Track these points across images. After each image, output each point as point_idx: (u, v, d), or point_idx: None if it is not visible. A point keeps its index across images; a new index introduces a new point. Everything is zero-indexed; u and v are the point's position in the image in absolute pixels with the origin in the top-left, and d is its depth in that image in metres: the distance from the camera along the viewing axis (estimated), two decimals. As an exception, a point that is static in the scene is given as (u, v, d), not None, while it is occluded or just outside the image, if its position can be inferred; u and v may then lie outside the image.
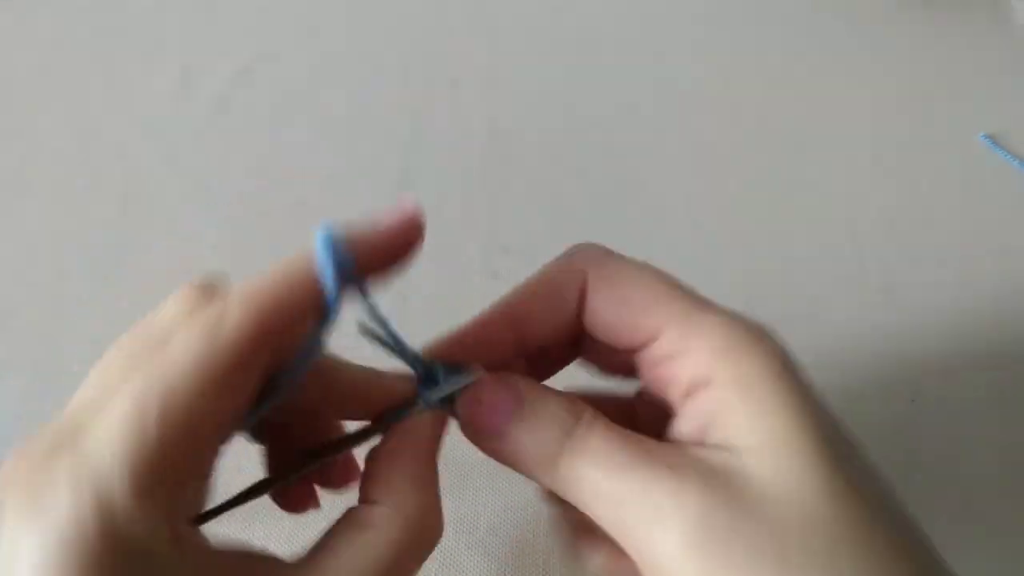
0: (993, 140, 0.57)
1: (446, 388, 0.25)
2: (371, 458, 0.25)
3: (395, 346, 0.25)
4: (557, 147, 0.56)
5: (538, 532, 0.40)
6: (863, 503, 0.21)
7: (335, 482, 0.30)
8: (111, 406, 0.19)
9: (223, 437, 0.22)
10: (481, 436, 0.25)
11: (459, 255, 0.50)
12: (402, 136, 0.56)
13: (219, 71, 0.59)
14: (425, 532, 0.23)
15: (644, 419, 0.27)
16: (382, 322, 0.24)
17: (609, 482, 0.22)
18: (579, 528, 0.27)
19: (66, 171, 0.54)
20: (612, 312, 0.25)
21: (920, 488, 0.42)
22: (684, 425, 0.24)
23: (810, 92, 0.60)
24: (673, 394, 0.24)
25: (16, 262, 0.50)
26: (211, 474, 0.22)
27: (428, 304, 0.47)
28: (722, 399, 0.22)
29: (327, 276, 0.21)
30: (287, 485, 0.28)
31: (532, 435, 0.24)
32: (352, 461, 0.30)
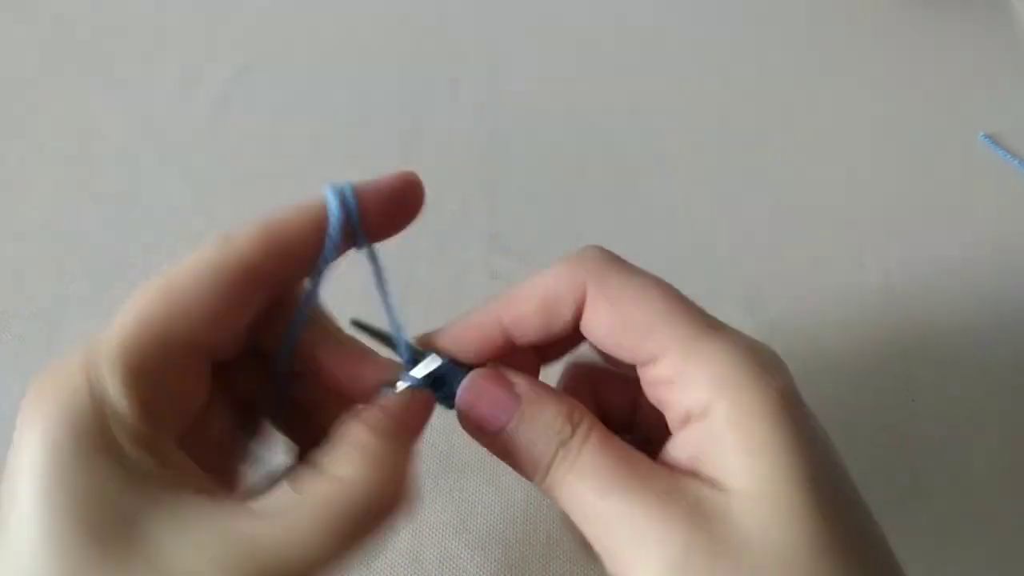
0: (993, 140, 0.57)
1: (426, 368, 0.26)
2: (344, 424, 0.24)
3: (385, 333, 0.26)
4: (557, 147, 0.56)
5: (538, 532, 0.40)
6: (847, 563, 0.20)
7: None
8: (123, 308, 0.22)
9: (220, 353, 0.24)
10: (478, 432, 0.25)
11: (459, 255, 0.50)
12: (402, 136, 0.56)
13: (219, 71, 0.59)
14: (386, 499, 0.22)
15: (646, 410, 0.26)
16: (382, 282, 0.26)
17: (597, 501, 0.22)
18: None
19: (66, 171, 0.54)
20: (611, 331, 0.24)
21: (920, 488, 0.42)
22: (678, 451, 0.23)
23: (810, 92, 0.60)
24: (670, 417, 0.24)
25: (16, 262, 0.50)
26: (202, 399, 0.23)
27: (428, 304, 0.47)
28: (717, 435, 0.22)
29: (332, 211, 0.24)
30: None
31: (527, 439, 0.24)
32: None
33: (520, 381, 0.25)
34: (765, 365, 0.22)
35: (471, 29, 0.63)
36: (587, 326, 0.25)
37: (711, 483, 0.21)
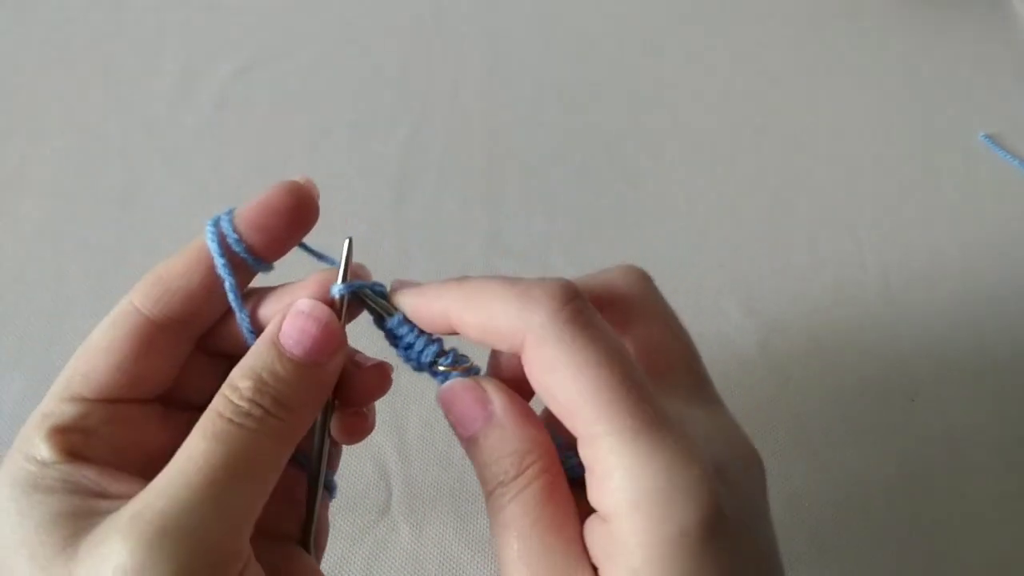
0: (993, 140, 0.57)
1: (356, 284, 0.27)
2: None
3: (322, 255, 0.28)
4: (557, 147, 0.56)
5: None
6: None
7: (373, 390, 0.29)
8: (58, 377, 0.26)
9: (155, 390, 0.27)
10: (454, 426, 0.26)
11: (459, 255, 0.50)
12: (402, 136, 0.56)
13: (219, 71, 0.59)
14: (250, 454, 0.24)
15: None
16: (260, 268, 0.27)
17: (512, 543, 0.23)
18: None
19: (66, 171, 0.54)
20: (542, 392, 0.24)
21: (919, 488, 0.42)
22: (589, 534, 0.23)
23: (810, 92, 0.60)
24: (589, 488, 0.23)
25: (16, 262, 0.50)
26: (149, 423, 0.26)
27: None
28: (621, 555, 0.21)
29: (212, 247, 0.26)
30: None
31: (483, 458, 0.25)
32: (377, 364, 0.30)
33: (497, 400, 0.25)
34: (685, 494, 0.21)
35: (471, 29, 0.63)
36: (527, 372, 0.24)
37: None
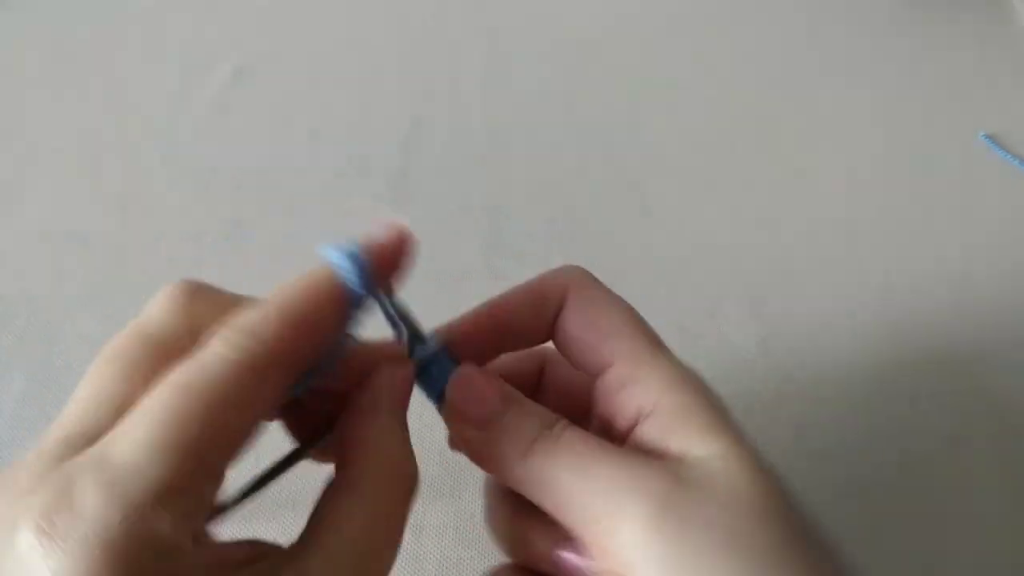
0: (993, 140, 0.57)
1: (429, 349, 0.27)
2: (340, 421, 0.25)
3: (395, 315, 0.27)
4: (557, 147, 0.56)
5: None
6: (803, 513, 0.24)
7: None
8: (140, 413, 0.20)
9: (248, 440, 0.22)
10: (464, 422, 0.26)
11: (459, 255, 0.50)
12: (402, 136, 0.56)
13: (219, 71, 0.59)
14: (404, 479, 0.24)
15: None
16: (404, 315, 0.27)
17: (575, 481, 0.24)
18: (516, 523, 0.28)
19: (66, 171, 0.54)
20: (579, 330, 0.27)
21: (919, 487, 0.42)
22: (637, 444, 0.25)
23: (810, 92, 0.60)
24: (620, 424, 0.26)
25: (16, 262, 0.50)
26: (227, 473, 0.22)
27: (428, 304, 0.47)
28: (673, 422, 0.24)
29: (353, 283, 0.24)
30: (318, 448, 0.28)
31: (512, 427, 0.25)
32: None
33: (505, 383, 0.27)
34: (699, 378, 0.26)
35: (471, 29, 0.63)
36: (560, 326, 0.28)
37: (679, 457, 0.24)
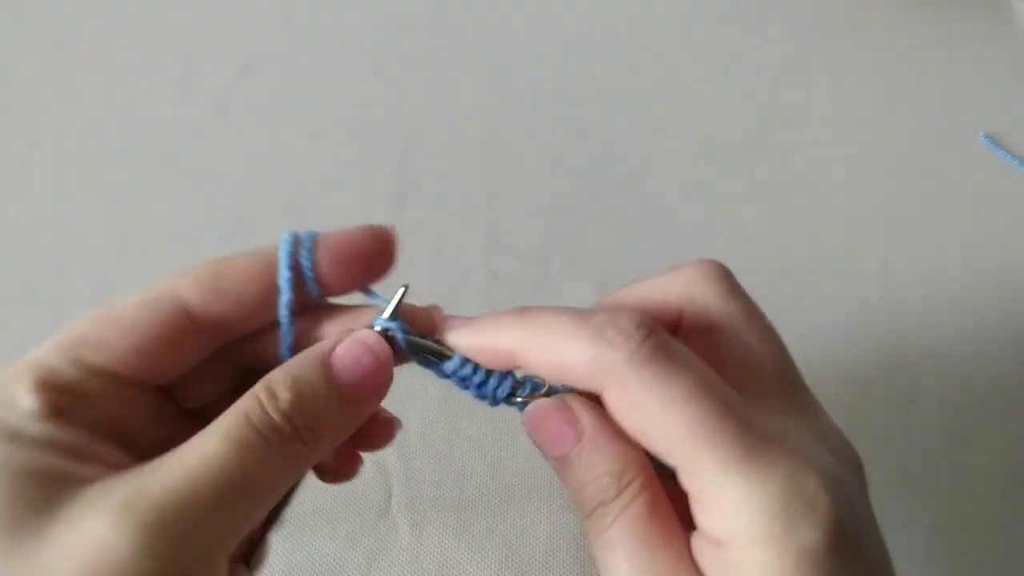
0: (993, 140, 0.57)
1: (386, 322, 0.26)
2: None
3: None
4: (557, 147, 0.56)
5: (538, 531, 0.40)
6: None
7: (376, 441, 0.29)
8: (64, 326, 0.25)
9: (158, 380, 0.25)
10: (542, 452, 0.25)
11: (459, 255, 0.50)
12: (402, 136, 0.56)
13: (219, 71, 0.59)
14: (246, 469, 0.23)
15: None
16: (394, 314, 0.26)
17: (622, 563, 0.22)
18: None
19: (66, 171, 0.54)
20: (633, 432, 0.23)
21: (919, 488, 0.42)
22: (700, 553, 0.23)
23: (810, 92, 0.60)
24: (696, 513, 0.23)
25: (16, 262, 0.50)
26: (146, 408, 0.25)
27: (428, 303, 0.47)
28: (745, 551, 0.21)
29: (282, 261, 0.25)
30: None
31: (580, 476, 0.24)
32: (388, 418, 0.30)
33: (586, 418, 0.24)
34: (804, 511, 0.21)
35: (471, 29, 0.63)
36: (611, 413, 0.24)
37: None
